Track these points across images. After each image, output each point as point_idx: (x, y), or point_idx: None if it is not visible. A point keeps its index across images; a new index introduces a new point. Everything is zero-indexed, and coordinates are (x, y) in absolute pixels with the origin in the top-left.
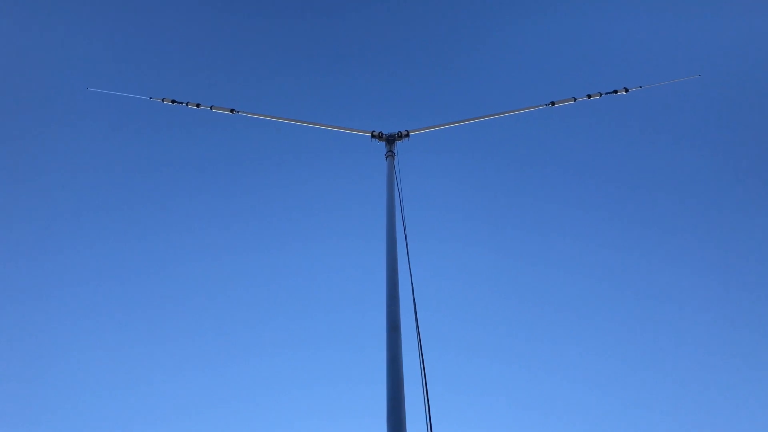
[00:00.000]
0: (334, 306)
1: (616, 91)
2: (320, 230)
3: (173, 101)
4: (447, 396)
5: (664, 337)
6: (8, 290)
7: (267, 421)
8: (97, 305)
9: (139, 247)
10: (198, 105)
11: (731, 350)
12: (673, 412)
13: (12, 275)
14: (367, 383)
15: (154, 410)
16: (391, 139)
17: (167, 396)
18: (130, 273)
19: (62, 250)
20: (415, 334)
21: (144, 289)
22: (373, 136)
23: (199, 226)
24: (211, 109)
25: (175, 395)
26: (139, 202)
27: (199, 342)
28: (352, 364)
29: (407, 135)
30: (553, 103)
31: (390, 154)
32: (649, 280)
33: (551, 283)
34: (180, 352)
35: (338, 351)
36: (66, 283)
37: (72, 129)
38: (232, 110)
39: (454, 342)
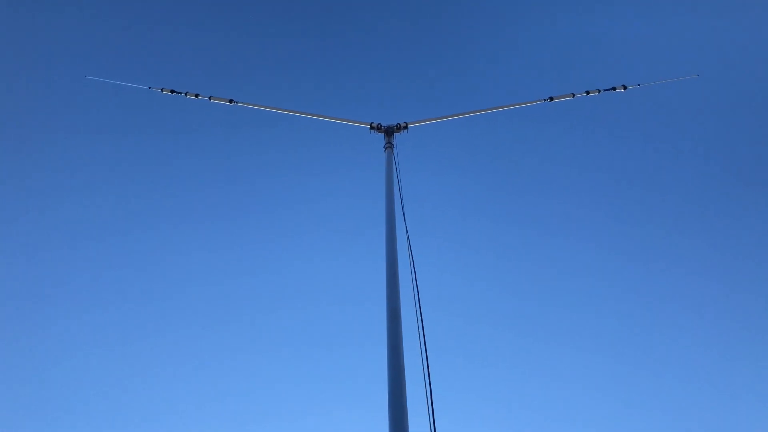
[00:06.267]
0: (335, 299)
1: (614, 88)
2: (319, 221)
3: (172, 91)
4: (445, 393)
5: (668, 339)
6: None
7: (268, 417)
8: (94, 302)
9: (132, 240)
10: (197, 95)
11: (733, 351)
12: (677, 414)
13: (6, 272)
14: (370, 377)
15: (150, 409)
16: (389, 131)
17: (163, 395)
18: (124, 268)
19: (52, 246)
20: (415, 327)
21: (137, 285)
22: (372, 127)
23: (194, 217)
24: (210, 99)
25: (170, 393)
26: (134, 193)
27: (195, 339)
28: (353, 358)
29: (406, 127)
30: (551, 99)
31: (389, 145)
32: (652, 279)
33: (553, 279)
34: (174, 349)
35: (339, 345)
36: (57, 280)
37: (69, 119)
38: (230, 101)
39: (452, 338)
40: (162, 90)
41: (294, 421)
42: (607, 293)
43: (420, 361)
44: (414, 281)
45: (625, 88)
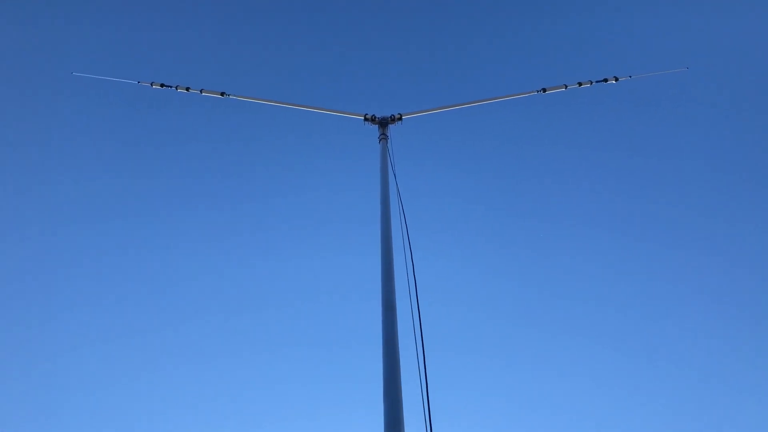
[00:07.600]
0: (329, 294)
1: (606, 80)
2: (313, 213)
3: (162, 85)
4: (442, 388)
5: (673, 333)
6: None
7: (259, 419)
8: (87, 300)
9: (122, 237)
10: (188, 89)
11: (736, 349)
12: (678, 411)
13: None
14: (365, 375)
15: (144, 410)
16: (384, 123)
17: (159, 394)
18: (114, 267)
19: (45, 242)
20: (410, 324)
21: (127, 283)
22: (366, 119)
23: (185, 212)
24: (201, 92)
25: (167, 393)
26: (124, 190)
27: (190, 339)
28: (348, 356)
29: (400, 118)
30: (544, 90)
31: (383, 137)
32: (653, 274)
33: (550, 269)
34: (171, 349)
35: (333, 343)
36: (53, 278)
37: (55, 117)
38: (222, 93)
39: (450, 332)
40: (152, 84)
41: (293, 421)
42: (606, 285)
43: (416, 357)
44: (412, 271)
45: (616, 79)
